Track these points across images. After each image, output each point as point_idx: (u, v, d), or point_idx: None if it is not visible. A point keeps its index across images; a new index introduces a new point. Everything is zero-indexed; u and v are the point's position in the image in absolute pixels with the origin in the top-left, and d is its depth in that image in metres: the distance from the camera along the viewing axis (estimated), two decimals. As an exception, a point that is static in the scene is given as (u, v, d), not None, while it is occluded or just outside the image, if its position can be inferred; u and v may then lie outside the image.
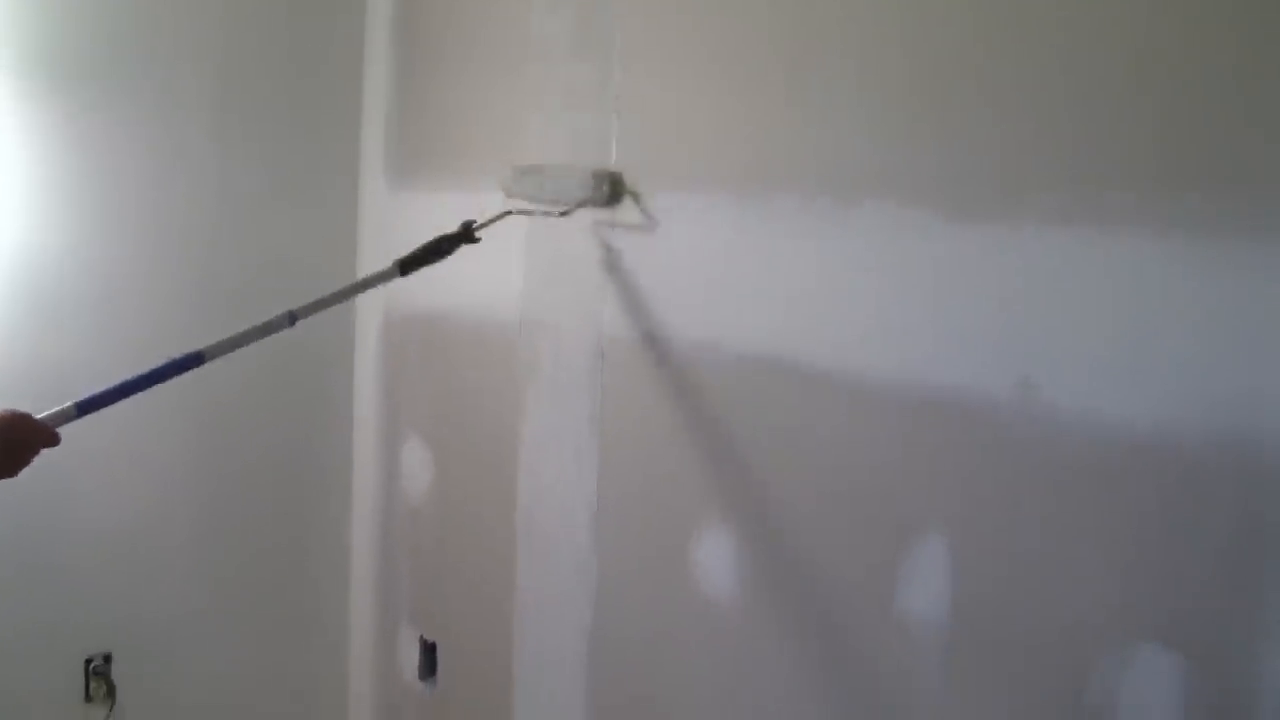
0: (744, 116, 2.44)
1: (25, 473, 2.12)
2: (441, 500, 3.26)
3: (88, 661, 3.14)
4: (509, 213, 2.74)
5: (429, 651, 3.33)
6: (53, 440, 2.12)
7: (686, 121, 2.55)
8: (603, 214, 2.69)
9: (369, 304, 3.46)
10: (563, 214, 2.70)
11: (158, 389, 3.14)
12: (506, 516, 3.00)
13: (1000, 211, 2.01)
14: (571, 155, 2.78)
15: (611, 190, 2.63)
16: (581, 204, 2.67)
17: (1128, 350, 1.86)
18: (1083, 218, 1.91)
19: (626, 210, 2.65)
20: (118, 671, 3.18)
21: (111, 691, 3.16)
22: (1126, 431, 1.86)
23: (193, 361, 2.35)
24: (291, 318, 2.53)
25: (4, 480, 2.08)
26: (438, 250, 2.66)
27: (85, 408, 2.23)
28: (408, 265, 2.67)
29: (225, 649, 3.37)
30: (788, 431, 2.37)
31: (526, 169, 2.84)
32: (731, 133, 2.46)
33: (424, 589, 3.35)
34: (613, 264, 2.69)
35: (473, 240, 2.63)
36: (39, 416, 2.11)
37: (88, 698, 3.15)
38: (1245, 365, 1.74)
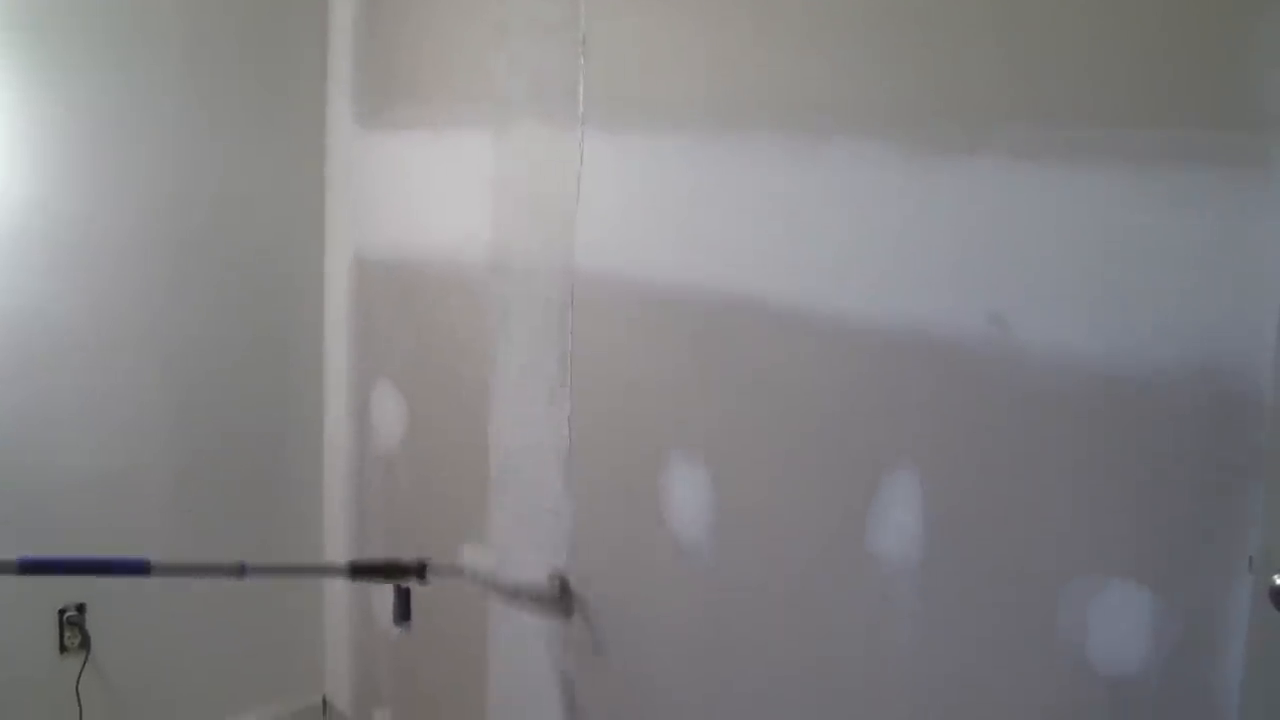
0: (710, 53, 2.42)
1: None
2: (414, 445, 3.25)
3: (61, 612, 3.14)
4: (460, 570, 2.83)
5: (404, 597, 3.32)
6: None
7: (653, 59, 2.53)
8: (571, 151, 2.66)
9: (338, 249, 3.43)
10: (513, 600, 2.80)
11: (130, 337, 3.15)
12: (479, 460, 2.99)
13: (968, 146, 2.00)
14: (535, 101, 2.75)
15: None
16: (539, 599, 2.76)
17: (1097, 284, 1.86)
18: (1051, 151, 1.90)
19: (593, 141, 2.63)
20: (92, 621, 3.17)
21: (86, 641, 3.16)
22: (1096, 366, 1.86)
23: (139, 568, 2.38)
24: (241, 569, 2.56)
25: None
26: (389, 573, 2.71)
27: (26, 567, 2.32)
28: (358, 571, 2.76)
29: (199, 597, 3.36)
30: (758, 370, 2.36)
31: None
32: (698, 70, 2.44)
33: (398, 535, 3.34)
34: (582, 205, 2.67)
35: (423, 579, 2.63)
36: None
37: (62, 648, 3.15)
38: (1215, 299, 1.74)
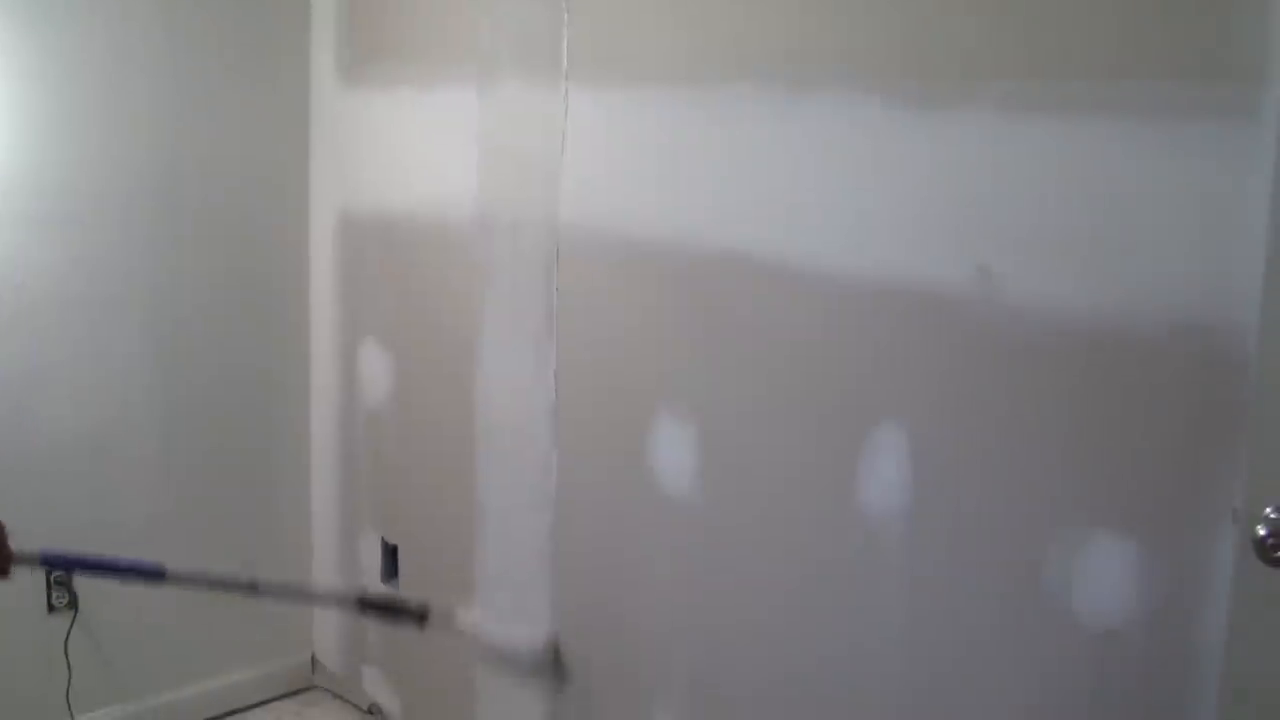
0: (694, 7, 2.41)
1: None
2: (401, 402, 3.24)
3: (49, 572, 3.12)
4: (459, 620, 2.81)
5: (391, 554, 3.33)
6: (2, 572, 2.17)
7: (637, 14, 2.51)
8: (555, 108, 2.65)
9: (323, 207, 3.41)
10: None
11: (114, 297, 3.14)
12: (466, 416, 2.99)
13: (955, 98, 2.00)
14: (519, 57, 2.73)
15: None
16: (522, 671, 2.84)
17: (1084, 237, 1.86)
18: (1038, 104, 1.90)
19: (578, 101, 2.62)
20: (80, 581, 3.16)
21: (74, 601, 3.16)
22: (1082, 318, 1.87)
23: (154, 574, 2.39)
24: (254, 585, 2.62)
25: None
26: (393, 612, 2.73)
27: (49, 561, 2.41)
28: (366, 605, 2.94)
29: (188, 556, 3.35)
30: (744, 324, 2.36)
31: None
32: (682, 24, 2.43)
33: (385, 492, 3.34)
34: (566, 154, 2.65)
35: (424, 623, 2.61)
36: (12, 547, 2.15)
37: (50, 608, 3.14)
38: (1200, 252, 1.75)
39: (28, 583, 3.09)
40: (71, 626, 3.16)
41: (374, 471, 3.37)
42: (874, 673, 2.21)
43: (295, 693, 3.64)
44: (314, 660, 3.66)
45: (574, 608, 2.78)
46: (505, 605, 2.96)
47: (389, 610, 2.78)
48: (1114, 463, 1.86)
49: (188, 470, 3.35)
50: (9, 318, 2.98)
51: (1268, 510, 1.56)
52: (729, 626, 2.45)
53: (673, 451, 2.51)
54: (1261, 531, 1.56)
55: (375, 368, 3.30)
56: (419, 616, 2.58)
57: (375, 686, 3.44)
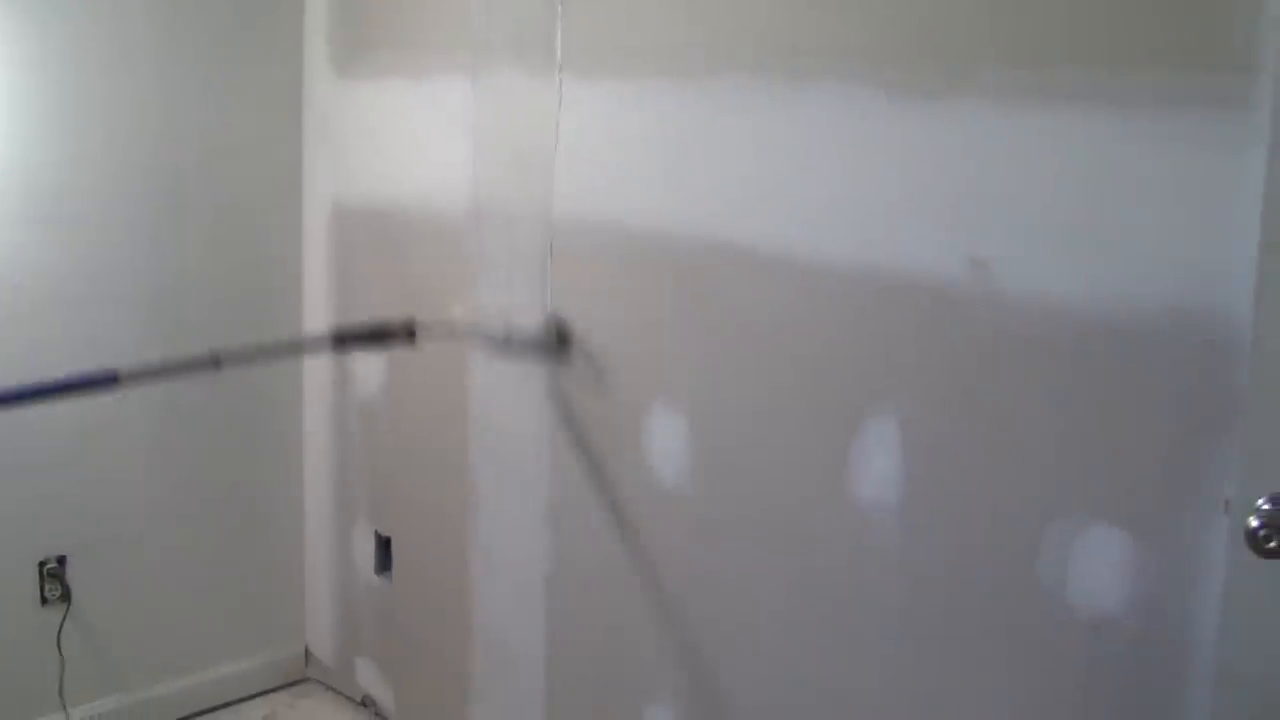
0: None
1: None
2: (394, 394, 3.24)
3: (42, 564, 3.12)
4: (454, 326, 2.68)
5: (384, 546, 3.33)
6: None
7: (632, 4, 2.51)
8: (549, 98, 2.64)
9: (316, 197, 3.41)
10: (505, 346, 2.70)
11: (108, 288, 3.12)
12: (459, 408, 2.99)
13: (950, 89, 2.00)
14: (513, 48, 2.73)
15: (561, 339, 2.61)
16: (534, 347, 2.66)
17: (1077, 227, 1.87)
18: (1032, 94, 1.90)
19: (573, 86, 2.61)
20: (72, 573, 3.16)
21: (67, 594, 3.15)
22: (1075, 308, 1.87)
23: (108, 380, 2.25)
24: (216, 360, 2.42)
25: None
26: (376, 337, 2.58)
27: None
28: (342, 340, 2.64)
29: (180, 549, 3.36)
30: (739, 315, 2.36)
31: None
32: (677, 14, 2.43)
33: (378, 484, 3.34)
34: (561, 145, 2.65)
35: (412, 340, 2.51)
36: None
37: (43, 600, 3.14)
38: (1194, 241, 1.75)
39: (20, 575, 3.09)
40: (64, 619, 3.15)
41: (367, 463, 3.36)
42: (867, 662, 2.22)
43: (289, 685, 3.64)
44: (307, 652, 3.66)
45: (566, 596, 2.78)
46: (500, 595, 2.96)
47: (373, 337, 2.59)
48: (1107, 453, 1.87)
49: (181, 463, 3.34)
50: (4, 309, 2.97)
51: (1260, 501, 1.56)
52: (721, 619, 2.45)
53: (668, 439, 2.51)
54: (1254, 522, 1.56)
55: (368, 359, 3.29)
56: (406, 333, 2.46)
57: (369, 678, 3.44)
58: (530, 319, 2.74)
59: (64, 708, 3.16)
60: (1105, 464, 1.87)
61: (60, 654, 3.14)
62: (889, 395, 2.14)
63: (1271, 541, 1.54)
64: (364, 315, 3.28)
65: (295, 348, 2.57)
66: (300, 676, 3.67)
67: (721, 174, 2.35)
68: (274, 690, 3.60)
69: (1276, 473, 1.57)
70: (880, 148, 2.10)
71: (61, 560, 3.15)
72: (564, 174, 2.66)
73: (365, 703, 3.46)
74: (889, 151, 2.09)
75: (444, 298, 3.00)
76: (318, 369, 3.49)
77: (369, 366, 3.28)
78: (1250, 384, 1.64)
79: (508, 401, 2.85)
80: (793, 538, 2.31)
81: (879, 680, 2.20)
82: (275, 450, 3.55)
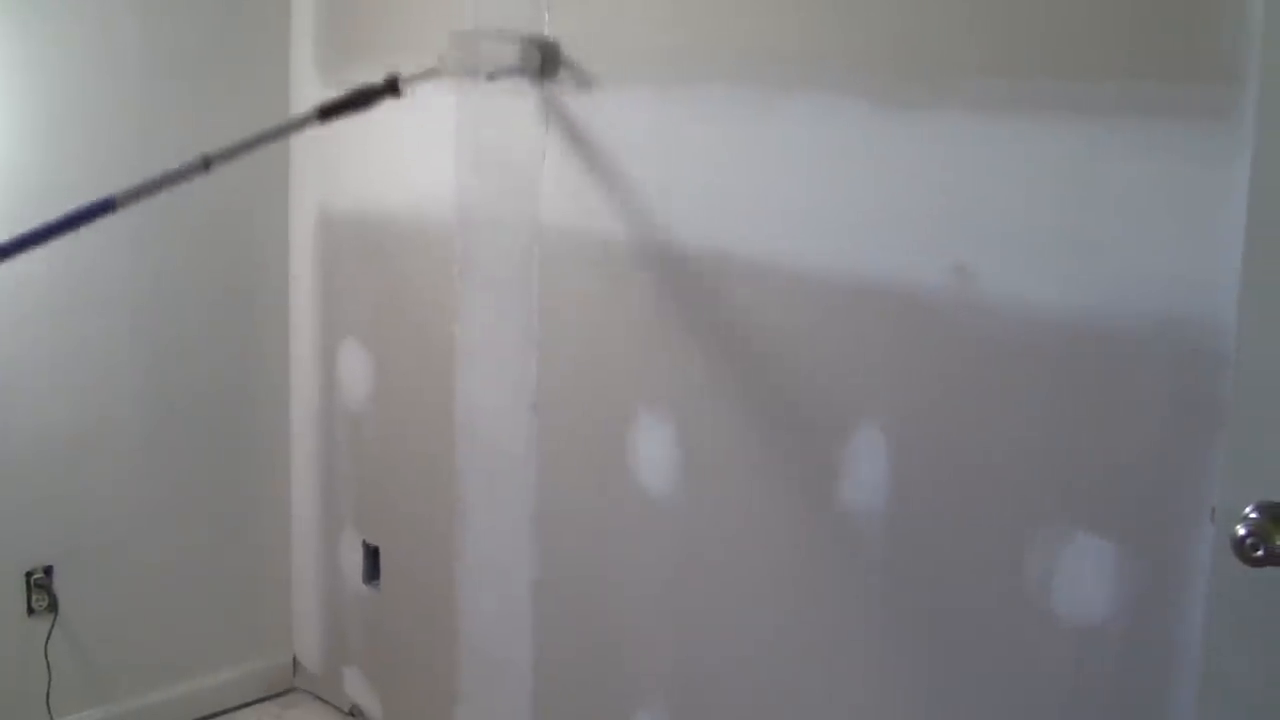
0: (674, 6, 2.41)
1: None
2: (381, 402, 3.23)
3: (29, 574, 3.11)
4: (436, 70, 2.62)
5: (372, 556, 3.33)
6: None
7: (617, 12, 2.52)
8: (534, 96, 2.64)
9: (302, 205, 3.40)
10: (490, 78, 2.63)
11: (94, 295, 3.10)
12: (446, 416, 2.98)
13: (932, 98, 2.00)
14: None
15: (545, 59, 2.57)
16: (512, 72, 2.59)
17: (1061, 236, 1.87)
18: (1015, 104, 1.91)
19: (561, 87, 2.60)
20: (59, 583, 3.15)
21: (54, 604, 3.14)
22: (1059, 317, 1.88)
23: (105, 207, 2.28)
24: (206, 162, 2.42)
25: None
26: (360, 101, 2.54)
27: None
28: (328, 112, 2.56)
29: (168, 559, 3.35)
30: (724, 322, 2.37)
31: (463, 35, 2.76)
32: (662, 24, 2.44)
33: (365, 493, 3.33)
34: (546, 155, 2.65)
35: (396, 94, 2.49)
36: None
37: (30, 611, 3.13)
38: (1178, 250, 1.76)
39: (7, 585, 3.08)
40: (51, 629, 3.14)
41: (355, 472, 3.36)
42: (853, 669, 2.22)
43: (276, 695, 3.63)
44: (295, 662, 3.65)
45: (553, 604, 2.78)
46: (487, 605, 2.96)
47: (356, 101, 2.55)
48: (1093, 461, 1.87)
49: (168, 470, 3.33)
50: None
51: (1247, 509, 1.56)
52: (709, 625, 2.45)
53: (654, 448, 2.51)
54: (1240, 531, 1.56)
55: (355, 367, 3.29)
56: (390, 88, 2.44)
57: (356, 688, 3.43)
58: (515, 323, 2.75)
59: (51, 718, 3.15)
60: (1091, 472, 1.87)
61: (48, 664, 3.13)
62: (874, 403, 2.14)
63: (1258, 550, 1.54)
64: (351, 317, 3.29)
65: (284, 129, 2.57)
66: (288, 686, 3.66)
67: (707, 182, 2.36)
68: (261, 700, 3.59)
69: (1263, 481, 1.57)
70: (864, 156, 2.11)
71: (48, 570, 3.14)
72: (550, 181, 2.66)
73: (353, 712, 3.45)
74: (873, 160, 2.10)
75: (431, 306, 3.00)
76: (304, 377, 3.48)
77: (356, 374, 3.28)
78: (1234, 392, 1.64)
79: (494, 414, 2.85)
80: (779, 547, 2.32)
81: (866, 687, 2.21)
82: (262, 459, 3.54)
